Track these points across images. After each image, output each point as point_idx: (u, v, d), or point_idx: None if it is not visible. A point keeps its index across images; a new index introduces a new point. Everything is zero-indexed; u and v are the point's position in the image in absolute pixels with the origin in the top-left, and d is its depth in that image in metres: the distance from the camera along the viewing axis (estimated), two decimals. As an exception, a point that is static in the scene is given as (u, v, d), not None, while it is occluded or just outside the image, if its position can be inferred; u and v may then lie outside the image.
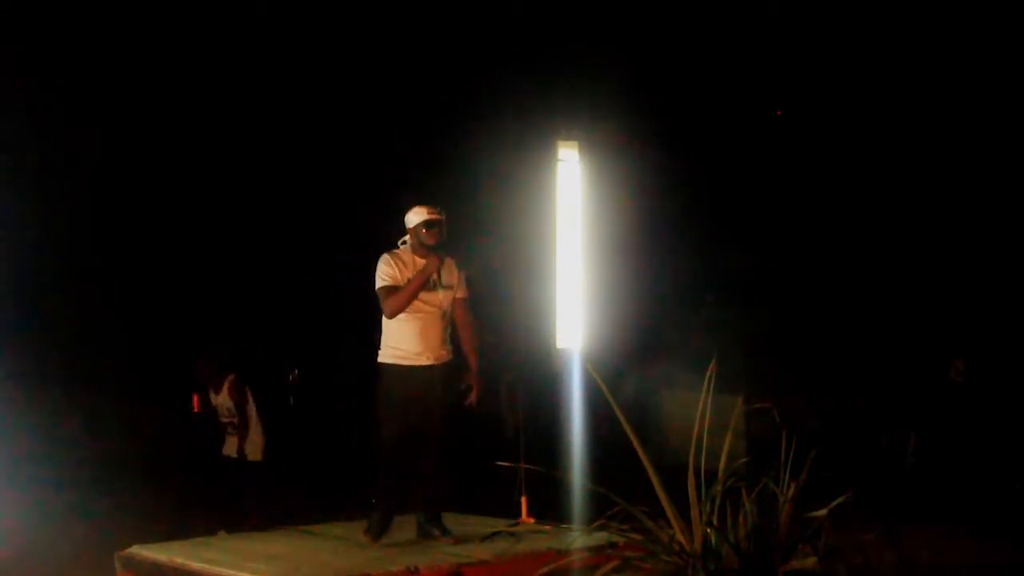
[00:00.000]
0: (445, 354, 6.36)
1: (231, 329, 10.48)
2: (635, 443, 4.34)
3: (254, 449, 8.65)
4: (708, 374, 4.40)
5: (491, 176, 11.27)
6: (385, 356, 6.32)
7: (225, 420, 8.63)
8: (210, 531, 8.02)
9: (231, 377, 8.62)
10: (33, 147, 10.14)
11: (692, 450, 4.26)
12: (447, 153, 11.64)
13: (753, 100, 13.01)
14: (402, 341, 6.26)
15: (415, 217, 6.28)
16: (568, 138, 8.71)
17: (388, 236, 6.47)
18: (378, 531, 6.28)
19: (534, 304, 8.70)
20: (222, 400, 8.62)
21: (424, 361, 6.26)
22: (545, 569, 4.62)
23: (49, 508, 8.95)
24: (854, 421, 12.03)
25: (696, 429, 4.33)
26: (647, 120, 11.84)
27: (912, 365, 12.35)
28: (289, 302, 12.49)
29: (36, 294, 10.83)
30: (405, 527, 6.44)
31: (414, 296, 6.18)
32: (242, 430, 8.54)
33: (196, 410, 8.86)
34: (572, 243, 8.69)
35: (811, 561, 4.14)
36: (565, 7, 10.90)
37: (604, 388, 4.61)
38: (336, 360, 12.54)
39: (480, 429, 11.51)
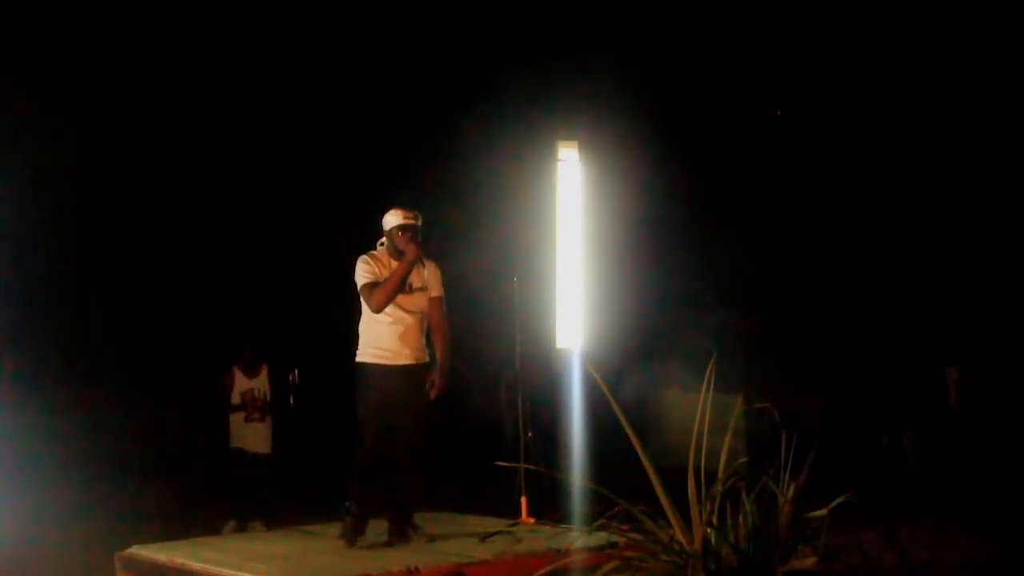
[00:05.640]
0: (424, 355, 6.42)
1: (230, 328, 10.46)
2: (635, 443, 4.34)
3: (268, 441, 8.75)
4: (708, 374, 4.41)
5: (491, 176, 11.27)
6: (365, 356, 6.36)
7: (250, 405, 8.67)
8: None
9: (266, 364, 8.73)
10: (31, 146, 10.13)
11: (692, 450, 4.26)
12: (447, 153, 11.64)
13: (753, 100, 13.00)
14: (382, 341, 6.31)
15: (392, 219, 6.35)
16: (568, 138, 8.72)
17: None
18: (353, 535, 6.26)
19: (534, 304, 8.70)
20: (257, 384, 8.67)
21: (403, 361, 6.31)
22: (545, 569, 4.62)
23: (49, 508, 8.94)
24: (854, 421, 12.03)
25: (696, 429, 4.33)
26: (647, 120, 11.83)
27: (911, 365, 12.35)
28: (288, 302, 12.48)
29: (35, 294, 10.81)
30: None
31: (399, 287, 6.23)
32: (269, 418, 8.64)
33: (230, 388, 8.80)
34: (572, 243, 8.70)
35: (811, 561, 4.14)
36: (565, 7, 10.89)
37: (604, 388, 4.61)
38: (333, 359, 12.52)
39: (480, 429, 11.53)
